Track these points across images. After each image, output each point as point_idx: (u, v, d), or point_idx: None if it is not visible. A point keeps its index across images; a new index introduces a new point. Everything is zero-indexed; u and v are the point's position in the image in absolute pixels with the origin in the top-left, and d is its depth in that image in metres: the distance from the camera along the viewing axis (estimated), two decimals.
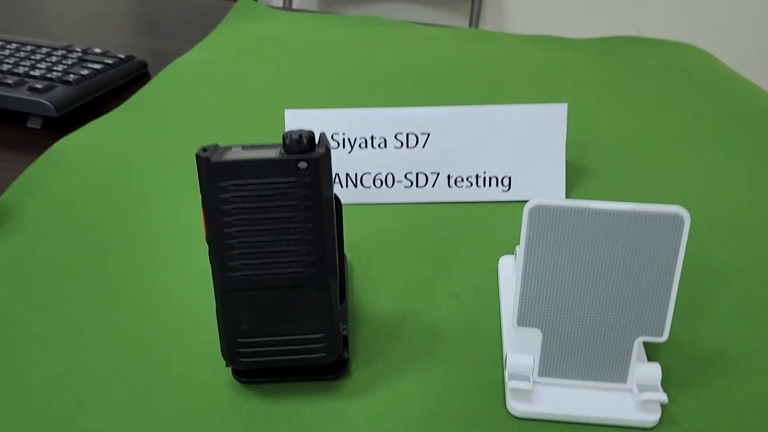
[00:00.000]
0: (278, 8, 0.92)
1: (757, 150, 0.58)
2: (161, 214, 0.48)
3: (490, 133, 0.48)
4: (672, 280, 0.32)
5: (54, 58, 0.64)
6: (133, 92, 0.66)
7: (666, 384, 0.35)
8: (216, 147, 0.31)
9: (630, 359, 0.33)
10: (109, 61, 0.65)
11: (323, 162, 0.30)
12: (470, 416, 0.33)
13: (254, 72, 0.70)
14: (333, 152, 0.48)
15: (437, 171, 0.49)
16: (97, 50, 0.67)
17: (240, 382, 0.35)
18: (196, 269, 0.42)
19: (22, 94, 0.57)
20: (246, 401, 0.34)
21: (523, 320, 0.33)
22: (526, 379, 0.33)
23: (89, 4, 0.93)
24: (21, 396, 0.34)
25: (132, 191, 0.50)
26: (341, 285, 0.35)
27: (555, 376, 0.34)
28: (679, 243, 0.31)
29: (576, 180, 0.52)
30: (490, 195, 0.49)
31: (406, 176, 0.49)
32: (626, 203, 0.31)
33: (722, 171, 0.54)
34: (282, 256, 0.31)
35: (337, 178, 0.49)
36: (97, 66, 0.63)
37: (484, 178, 0.49)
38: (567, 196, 0.50)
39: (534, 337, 0.34)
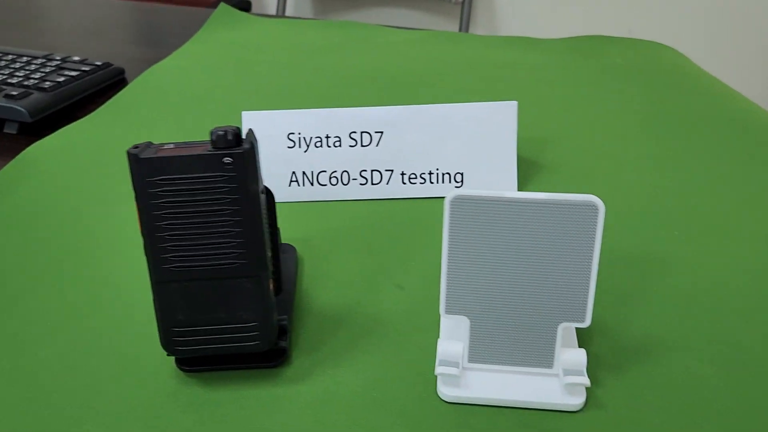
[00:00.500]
0: (268, 16, 0.94)
1: (715, 146, 0.59)
2: (122, 215, 0.49)
3: (442, 130, 0.50)
4: (590, 268, 0.33)
5: (33, 67, 0.66)
6: (109, 98, 0.68)
7: (595, 370, 0.36)
8: (148, 145, 0.32)
9: (555, 345, 0.34)
10: (86, 68, 0.67)
11: (248, 157, 0.31)
12: (404, 402, 0.35)
13: (228, 78, 0.72)
14: (289, 151, 0.50)
15: (391, 168, 0.50)
16: (76, 58, 0.69)
17: (182, 370, 0.36)
18: None
19: None
20: (187, 389, 0.35)
21: (450, 308, 0.34)
22: (456, 365, 0.34)
23: (79, 16, 0.96)
24: None
25: (97, 193, 0.52)
26: (277, 276, 0.36)
27: (484, 362, 0.35)
28: (595, 231, 0.32)
29: (529, 175, 0.54)
30: (443, 191, 0.50)
31: (361, 174, 0.50)
32: (543, 193, 0.32)
33: (677, 167, 0.55)
34: (212, 248, 0.32)
35: (294, 176, 0.50)
36: (73, 73, 0.65)
37: (438, 175, 0.50)
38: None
39: (463, 324, 0.35)
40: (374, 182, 0.50)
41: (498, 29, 2.02)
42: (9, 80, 0.62)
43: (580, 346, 0.37)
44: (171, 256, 0.32)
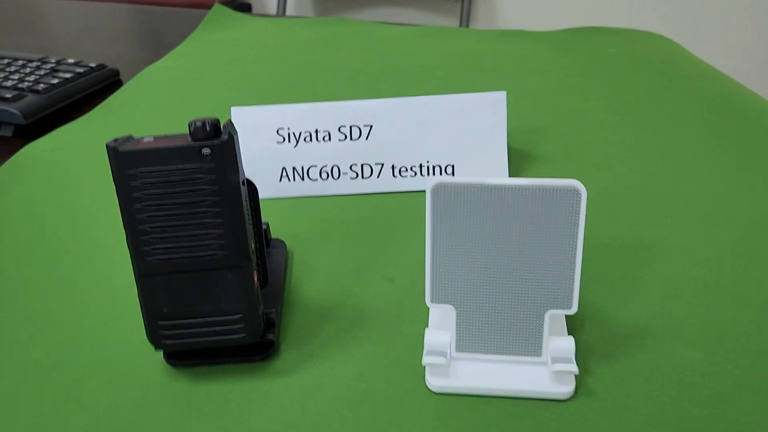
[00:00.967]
0: (266, 15, 0.94)
1: (707, 133, 0.58)
2: (116, 215, 0.49)
3: (431, 123, 0.50)
4: (575, 254, 0.32)
5: (28, 70, 0.67)
6: (105, 99, 0.68)
7: (586, 358, 0.36)
8: (128, 138, 0.32)
9: (542, 332, 0.34)
10: (80, 70, 0.67)
11: (227, 147, 0.31)
12: (392, 393, 0.34)
13: (221, 77, 0.72)
14: (279, 147, 0.50)
15: (381, 162, 0.50)
16: (70, 60, 0.70)
17: (170, 364, 0.36)
18: None
19: None
20: (176, 383, 0.35)
21: (435, 297, 0.34)
22: (443, 354, 0.34)
23: (74, 19, 0.96)
24: None
25: (91, 193, 0.52)
26: (263, 268, 0.36)
27: (472, 351, 0.35)
28: (578, 216, 0.32)
29: (521, 167, 0.53)
30: None
31: (351, 168, 0.50)
32: (525, 179, 0.32)
33: (670, 154, 0.55)
34: (194, 240, 0.32)
35: (284, 171, 0.50)
36: (67, 75, 0.66)
37: (428, 168, 0.50)
38: None
39: (450, 314, 0.35)
40: (364, 176, 0.50)
41: (498, 25, 2.02)
42: (4, 83, 0.63)
43: (569, 334, 0.37)
44: (153, 249, 0.32)
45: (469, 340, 0.35)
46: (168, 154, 0.31)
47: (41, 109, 0.61)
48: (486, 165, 0.50)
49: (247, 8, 1.87)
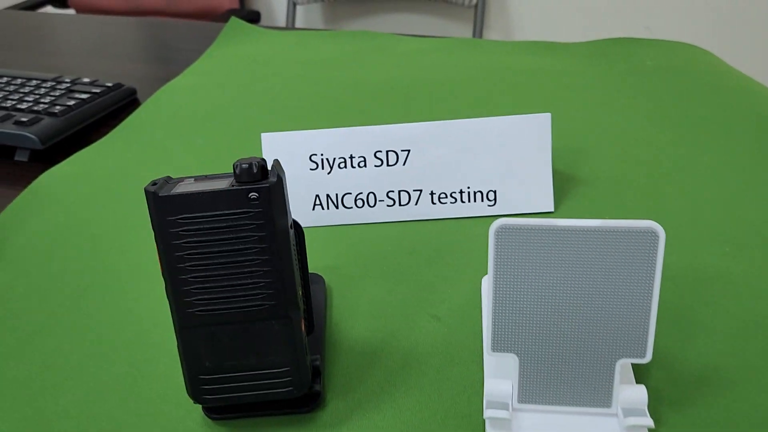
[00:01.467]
0: (277, 28, 0.92)
1: (759, 153, 0.56)
2: (142, 246, 0.47)
3: (472, 146, 0.47)
4: (650, 299, 0.30)
5: (42, 90, 0.64)
6: (122, 120, 0.66)
7: (656, 405, 0.33)
8: (167, 180, 0.30)
9: (612, 382, 0.31)
10: (97, 90, 0.65)
11: (275, 191, 0.29)
12: None
13: (243, 95, 0.70)
14: (312, 174, 0.47)
15: (420, 188, 0.48)
16: (86, 80, 0.68)
17: (211, 418, 0.34)
18: None
19: (8, 128, 0.57)
20: None
21: (497, 346, 0.32)
22: (505, 406, 0.32)
23: (86, 35, 0.94)
24: None
25: (114, 223, 0.49)
26: (309, 314, 0.34)
27: (536, 403, 0.32)
28: (655, 260, 0.29)
29: (566, 190, 0.51)
30: (475, 210, 0.48)
31: (388, 195, 0.48)
32: (596, 220, 0.29)
33: (722, 176, 0.52)
34: (239, 290, 0.30)
35: (317, 199, 0.48)
36: (83, 96, 0.63)
37: (469, 193, 0.48)
38: (556, 208, 0.48)
39: (511, 362, 0.32)
40: (402, 203, 0.48)
41: (512, 31, 2.00)
42: (18, 105, 0.61)
43: (636, 380, 0.35)
44: (195, 300, 0.30)
45: (533, 390, 0.32)
46: (212, 199, 0.28)
47: (58, 132, 0.58)
48: (530, 190, 0.47)
49: (255, 16, 1.85)
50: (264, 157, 0.47)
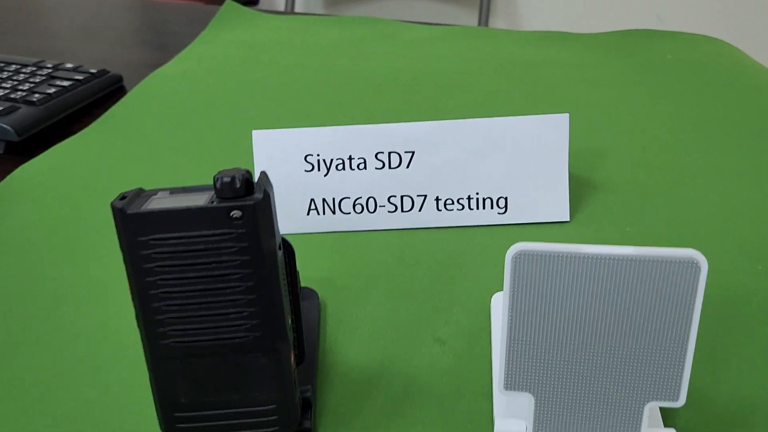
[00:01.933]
0: (275, 12, 0.87)
1: None
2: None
3: (482, 149, 0.43)
4: (688, 337, 0.26)
5: (21, 76, 0.60)
6: (107, 109, 0.62)
7: None
8: (138, 192, 0.26)
9: (639, 427, 0.28)
10: (80, 76, 0.61)
11: (261, 209, 0.25)
12: None
13: (236, 85, 0.66)
14: (307, 175, 0.44)
15: (424, 193, 0.44)
16: (69, 65, 0.63)
17: None
18: None
19: None
20: None
21: (511, 384, 0.28)
22: None
23: (72, 16, 0.90)
24: None
25: (94, 225, 0.46)
26: (299, 343, 0.30)
27: None
28: (695, 294, 0.26)
29: (582, 197, 0.47)
30: (484, 218, 0.44)
31: (389, 200, 0.44)
32: (628, 247, 0.25)
33: (753, 182, 0.48)
34: (220, 320, 0.26)
35: (312, 203, 0.44)
36: (65, 83, 0.59)
37: (478, 200, 0.44)
38: (572, 217, 0.45)
39: (526, 401, 0.29)
40: (405, 209, 0.44)
41: (519, 18, 1.94)
42: None
43: (664, 421, 0.31)
44: (170, 330, 0.26)
45: None
46: (189, 217, 0.25)
47: (36, 123, 0.54)
48: (544, 197, 0.44)
49: (254, 0, 1.79)
50: (255, 155, 0.43)
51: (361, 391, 0.33)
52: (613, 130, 0.56)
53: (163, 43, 0.80)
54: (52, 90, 0.57)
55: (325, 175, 0.44)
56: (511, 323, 0.27)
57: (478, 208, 0.44)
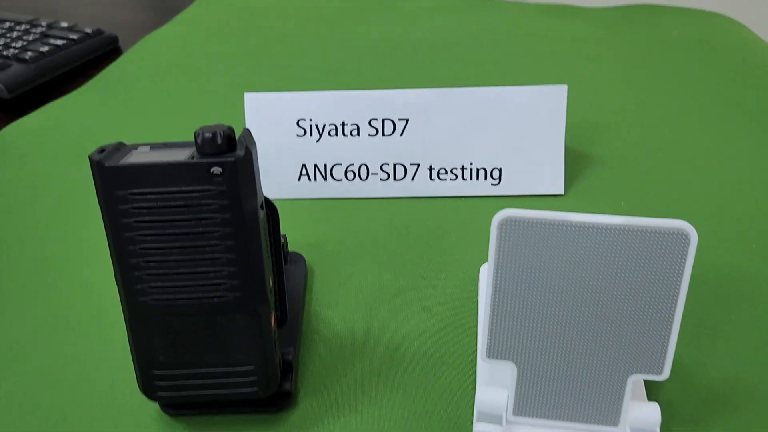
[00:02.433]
0: None
1: None
2: None
3: (478, 119, 0.43)
4: (674, 310, 0.26)
5: (15, 33, 0.59)
6: (101, 70, 0.61)
7: (667, 423, 0.30)
8: (118, 146, 0.26)
9: (622, 399, 0.28)
10: (74, 36, 0.60)
11: (242, 166, 0.24)
12: None
13: (233, 49, 0.65)
14: (299, 140, 0.43)
15: (417, 162, 0.43)
16: (64, 24, 0.62)
17: (167, 414, 0.30)
18: None
19: None
20: None
21: (493, 352, 0.28)
22: (498, 419, 0.28)
23: None
24: None
25: (82, 186, 0.45)
26: (281, 306, 0.30)
27: (533, 416, 0.29)
28: (683, 266, 0.25)
29: (578, 171, 0.46)
30: (477, 189, 0.43)
31: (381, 168, 0.43)
32: (617, 217, 0.25)
33: (751, 164, 0.48)
34: (199, 279, 0.26)
35: (304, 169, 0.43)
36: (59, 42, 0.58)
37: (471, 170, 0.43)
38: (566, 190, 0.44)
39: (508, 370, 0.28)
40: (397, 178, 0.43)
41: None
42: None
43: (648, 395, 0.31)
44: (148, 287, 0.26)
45: (531, 402, 0.28)
46: (168, 173, 0.24)
47: (28, 81, 0.54)
48: (539, 170, 0.43)
49: None
50: (246, 119, 0.43)
51: (345, 355, 0.33)
52: (613, 106, 0.55)
53: (161, 5, 0.78)
54: (45, 48, 0.57)
55: (317, 141, 0.43)
56: (495, 291, 0.27)
57: (471, 178, 0.43)
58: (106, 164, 0.24)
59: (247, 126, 0.43)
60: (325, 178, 0.43)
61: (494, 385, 0.30)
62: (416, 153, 0.43)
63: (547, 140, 0.43)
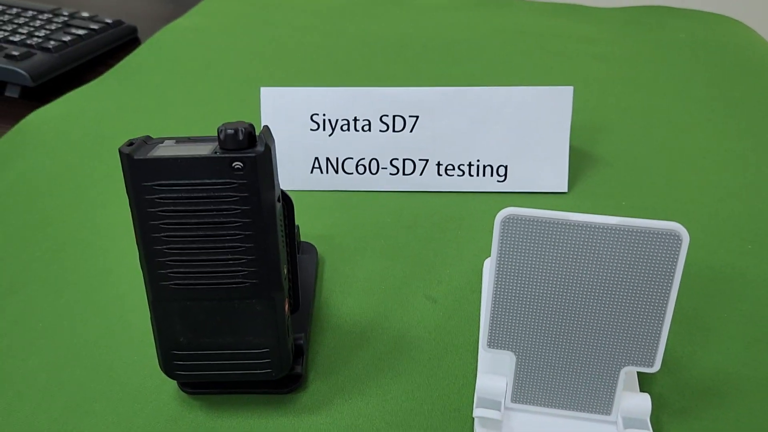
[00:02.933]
0: None
1: None
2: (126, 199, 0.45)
3: (485, 117, 0.44)
4: (665, 306, 0.27)
5: (38, 23, 0.61)
6: (120, 60, 0.63)
7: (659, 414, 0.31)
8: (145, 140, 0.27)
9: (615, 389, 0.29)
10: (95, 26, 0.62)
11: (262, 161, 0.26)
12: None
13: (249, 42, 0.66)
14: (313, 134, 0.44)
15: (426, 157, 0.45)
16: (85, 14, 0.64)
17: (185, 392, 0.32)
18: None
19: None
20: (190, 413, 0.31)
21: (494, 342, 0.29)
22: (497, 405, 0.30)
23: None
24: None
25: (102, 172, 0.47)
26: (294, 293, 0.31)
27: (530, 403, 0.30)
28: (675, 265, 0.27)
29: (582, 170, 0.48)
30: (483, 185, 0.45)
31: (391, 162, 0.45)
32: (614, 217, 0.26)
33: (752, 166, 0.49)
34: (219, 265, 0.27)
35: (317, 162, 0.45)
36: (80, 32, 0.60)
37: (478, 167, 0.45)
38: (570, 189, 0.45)
39: (507, 359, 0.30)
40: (406, 172, 0.45)
41: None
42: (11, 38, 0.57)
43: (641, 386, 0.32)
44: (171, 272, 0.27)
45: (528, 390, 0.30)
46: (192, 166, 0.26)
47: (51, 70, 0.55)
48: (543, 168, 0.44)
49: None
50: (262, 112, 0.44)
51: (353, 342, 0.35)
52: (618, 106, 0.56)
53: None
54: (67, 38, 0.58)
55: (330, 135, 0.44)
56: (496, 284, 0.28)
57: (478, 174, 0.45)
58: (135, 157, 0.26)
59: (262, 119, 0.44)
60: (336, 171, 0.45)
61: (494, 373, 0.31)
62: (425, 149, 0.44)
63: (552, 139, 0.44)
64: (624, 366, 0.29)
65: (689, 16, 0.73)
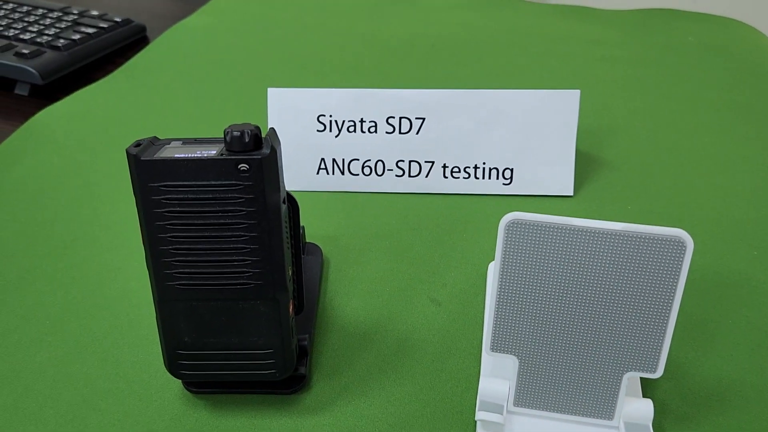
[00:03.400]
0: None
1: None
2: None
3: (492, 120, 0.44)
4: (669, 313, 0.27)
5: (48, 21, 0.61)
6: (129, 58, 0.63)
7: (661, 420, 0.31)
8: (152, 141, 0.27)
9: (617, 395, 0.29)
10: (104, 24, 0.62)
11: (267, 163, 0.26)
12: None
13: (257, 41, 0.66)
14: (319, 135, 0.45)
15: (432, 159, 0.45)
16: (94, 13, 0.64)
17: (190, 392, 0.32)
18: None
19: (8, 59, 0.55)
20: (194, 412, 0.31)
21: (497, 346, 0.29)
22: (499, 409, 0.30)
23: None
24: None
25: (110, 170, 0.47)
26: (299, 294, 0.31)
27: (532, 407, 0.30)
28: (679, 272, 0.27)
29: (587, 173, 0.48)
30: (489, 188, 0.45)
31: (397, 164, 0.45)
32: (618, 223, 0.26)
33: (760, 171, 0.49)
34: (224, 266, 0.27)
35: (322, 163, 0.45)
36: (90, 30, 0.60)
37: (484, 169, 0.45)
38: (576, 192, 0.45)
39: (508, 361, 0.30)
40: (412, 174, 0.45)
41: None
42: (21, 36, 0.58)
43: (643, 392, 0.32)
44: (176, 273, 0.28)
45: (530, 394, 0.30)
46: (198, 167, 0.26)
47: (60, 68, 0.56)
48: (549, 171, 0.44)
49: None
50: (269, 113, 0.44)
51: (357, 343, 0.35)
52: (625, 110, 0.56)
53: None
54: (77, 36, 0.59)
55: (336, 136, 0.45)
56: (500, 288, 0.28)
57: (483, 177, 0.45)
58: (142, 158, 0.26)
59: (269, 119, 0.45)
60: (342, 173, 0.45)
61: (497, 376, 0.31)
62: (431, 151, 0.45)
63: (558, 143, 0.44)
64: (627, 371, 0.29)
65: (697, 19, 0.72)
